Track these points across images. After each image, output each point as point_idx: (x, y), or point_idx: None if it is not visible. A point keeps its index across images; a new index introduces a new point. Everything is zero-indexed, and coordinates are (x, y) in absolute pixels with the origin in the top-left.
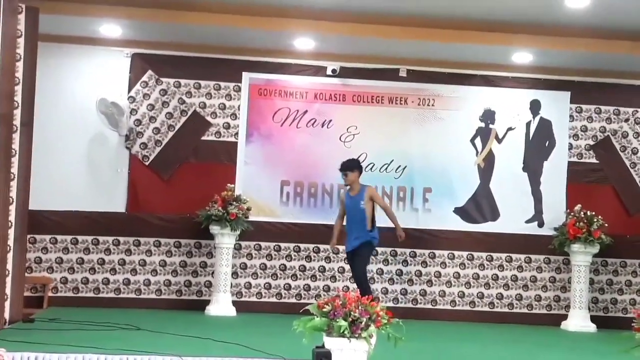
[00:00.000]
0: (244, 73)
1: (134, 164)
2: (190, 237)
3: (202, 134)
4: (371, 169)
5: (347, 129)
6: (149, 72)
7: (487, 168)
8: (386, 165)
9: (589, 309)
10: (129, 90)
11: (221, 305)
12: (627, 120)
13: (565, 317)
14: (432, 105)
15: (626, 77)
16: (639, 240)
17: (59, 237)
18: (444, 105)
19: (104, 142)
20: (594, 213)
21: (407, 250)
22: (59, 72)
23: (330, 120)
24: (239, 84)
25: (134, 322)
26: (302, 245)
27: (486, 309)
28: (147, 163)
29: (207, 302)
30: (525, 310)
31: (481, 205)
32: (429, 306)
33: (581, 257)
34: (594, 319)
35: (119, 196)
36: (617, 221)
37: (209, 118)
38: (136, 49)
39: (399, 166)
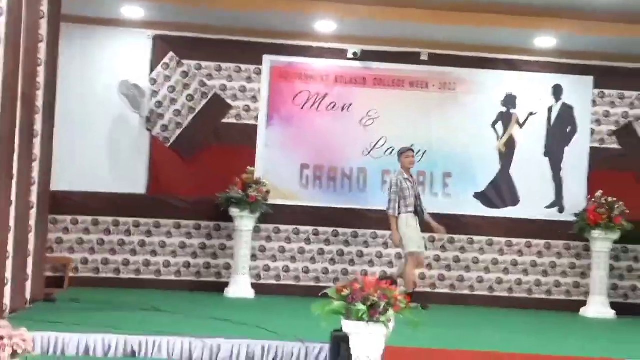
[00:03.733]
0: (264, 56)
1: (154, 145)
2: (210, 219)
3: (223, 117)
4: (391, 153)
5: (367, 113)
6: (171, 54)
7: (508, 153)
8: None
9: (609, 295)
10: (151, 72)
11: (240, 288)
12: None
13: (584, 303)
14: (454, 89)
15: None
16: None
17: (80, 218)
18: (466, 89)
19: (126, 124)
20: (615, 199)
21: (426, 235)
22: (82, 54)
23: (351, 104)
24: (260, 67)
25: (153, 303)
26: (320, 229)
27: (505, 294)
28: (167, 145)
29: (226, 284)
30: (544, 296)
31: (501, 190)
32: (447, 290)
33: (601, 243)
34: (613, 305)
35: (140, 178)
36: (639, 207)
37: (229, 100)
38: (158, 31)
39: (419, 150)
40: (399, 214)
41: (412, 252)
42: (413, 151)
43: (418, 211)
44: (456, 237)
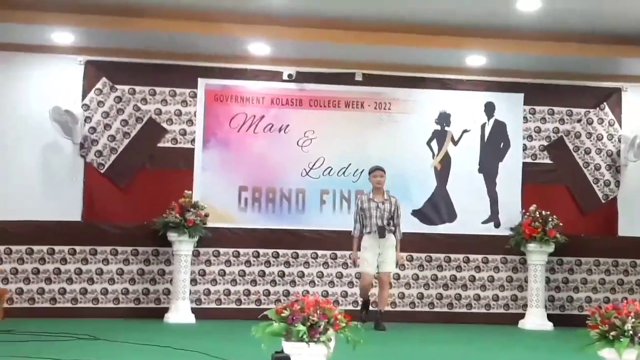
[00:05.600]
0: (199, 79)
1: (89, 172)
2: (148, 244)
3: (158, 141)
4: (329, 173)
5: (305, 134)
6: (103, 79)
7: (443, 170)
8: (344, 169)
9: (546, 307)
10: (83, 98)
11: (180, 313)
12: (579, 120)
13: (522, 315)
14: (389, 108)
15: (577, 78)
16: (594, 239)
17: (14, 247)
18: (400, 108)
19: (59, 151)
20: (549, 213)
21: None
22: (12, 81)
23: (288, 125)
24: (195, 90)
25: (91, 331)
26: (261, 251)
27: (445, 309)
28: (102, 171)
29: (166, 309)
30: (483, 310)
31: (438, 207)
32: (389, 308)
33: (537, 256)
34: (550, 317)
35: (75, 205)
36: (572, 220)
37: (164, 125)
38: (89, 57)
39: (357, 170)
40: (360, 233)
41: (359, 272)
42: (381, 169)
43: (382, 231)
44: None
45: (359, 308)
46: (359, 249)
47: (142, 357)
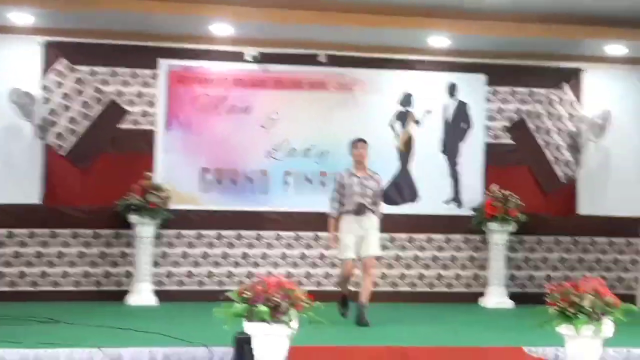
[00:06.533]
0: (160, 60)
1: (49, 154)
2: (109, 227)
3: (119, 123)
4: (292, 154)
5: (268, 115)
6: (63, 60)
7: (406, 151)
8: (307, 151)
9: (507, 285)
10: (42, 79)
11: (142, 295)
12: (540, 101)
13: (483, 294)
14: (352, 89)
15: (539, 59)
16: (554, 218)
17: None
18: (364, 89)
19: (17, 133)
20: (510, 192)
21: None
22: None
23: (251, 107)
24: (156, 71)
25: (51, 315)
26: (224, 232)
27: (407, 289)
28: (62, 153)
29: (127, 292)
30: (445, 289)
31: (401, 187)
32: (351, 288)
33: (498, 235)
34: (511, 295)
35: (34, 188)
36: (533, 200)
37: (125, 106)
38: (49, 37)
39: (320, 151)
40: (339, 214)
41: (340, 259)
42: (363, 141)
43: (361, 209)
44: None
45: (322, 289)
46: (336, 230)
47: (102, 340)
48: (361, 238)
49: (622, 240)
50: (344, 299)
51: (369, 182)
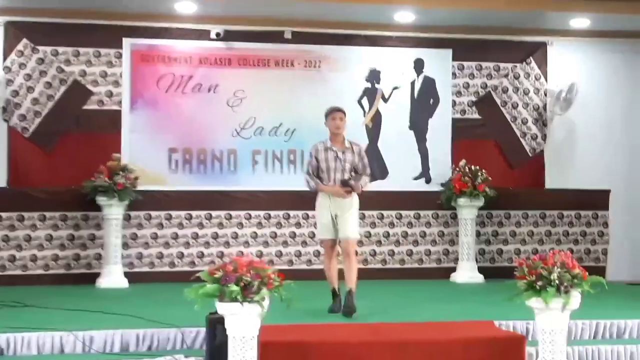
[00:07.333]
0: (124, 39)
1: (13, 136)
2: (77, 209)
3: (84, 103)
4: (260, 132)
5: (234, 93)
6: (24, 40)
7: (374, 128)
8: (275, 129)
9: (477, 260)
10: (4, 61)
11: (112, 278)
12: (506, 75)
13: (454, 269)
14: (319, 66)
15: (504, 33)
16: (522, 192)
17: None
18: (330, 66)
19: None
20: (478, 167)
21: (300, 213)
22: None
23: (217, 85)
24: (120, 50)
25: (21, 299)
26: (193, 213)
27: (378, 265)
28: (26, 135)
29: (98, 274)
30: (416, 265)
31: (370, 164)
32: (320, 267)
33: (467, 210)
34: (481, 269)
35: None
36: (501, 174)
37: (90, 86)
38: (9, 17)
39: (288, 129)
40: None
41: (320, 240)
42: (340, 110)
43: (345, 185)
44: None
45: (294, 267)
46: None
47: (73, 323)
48: (338, 217)
49: (589, 212)
50: (333, 293)
51: (347, 155)
